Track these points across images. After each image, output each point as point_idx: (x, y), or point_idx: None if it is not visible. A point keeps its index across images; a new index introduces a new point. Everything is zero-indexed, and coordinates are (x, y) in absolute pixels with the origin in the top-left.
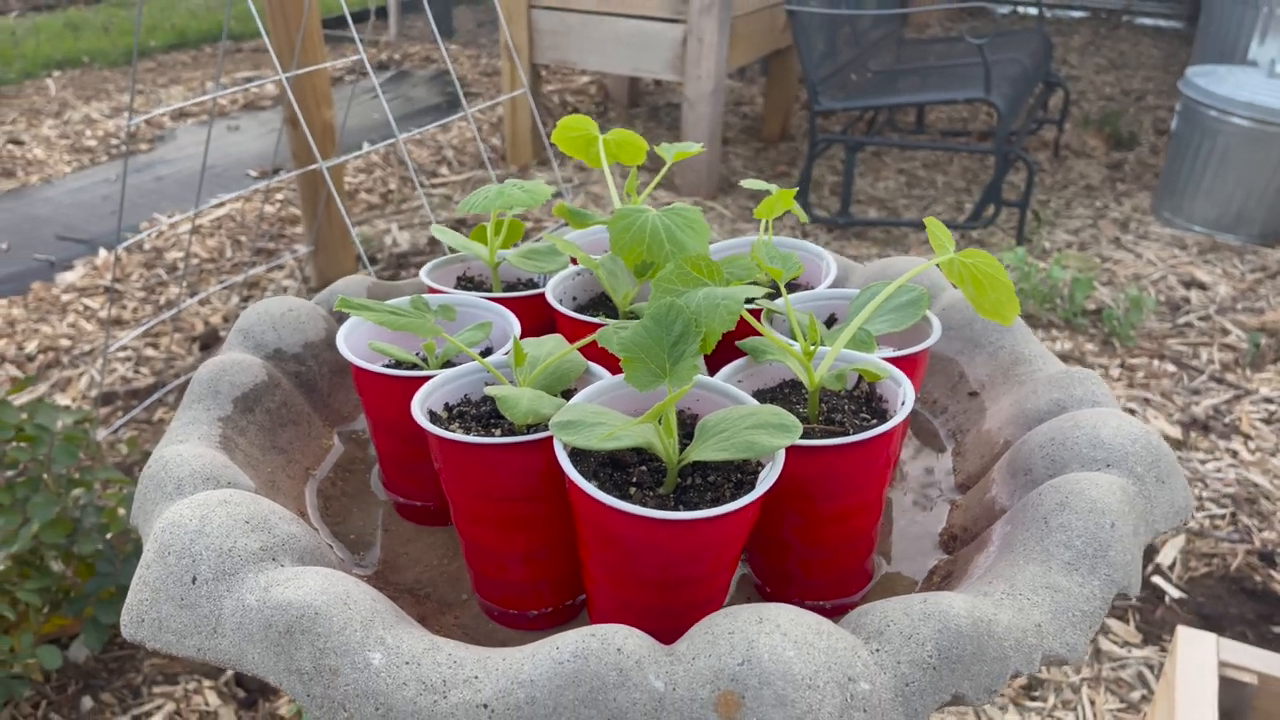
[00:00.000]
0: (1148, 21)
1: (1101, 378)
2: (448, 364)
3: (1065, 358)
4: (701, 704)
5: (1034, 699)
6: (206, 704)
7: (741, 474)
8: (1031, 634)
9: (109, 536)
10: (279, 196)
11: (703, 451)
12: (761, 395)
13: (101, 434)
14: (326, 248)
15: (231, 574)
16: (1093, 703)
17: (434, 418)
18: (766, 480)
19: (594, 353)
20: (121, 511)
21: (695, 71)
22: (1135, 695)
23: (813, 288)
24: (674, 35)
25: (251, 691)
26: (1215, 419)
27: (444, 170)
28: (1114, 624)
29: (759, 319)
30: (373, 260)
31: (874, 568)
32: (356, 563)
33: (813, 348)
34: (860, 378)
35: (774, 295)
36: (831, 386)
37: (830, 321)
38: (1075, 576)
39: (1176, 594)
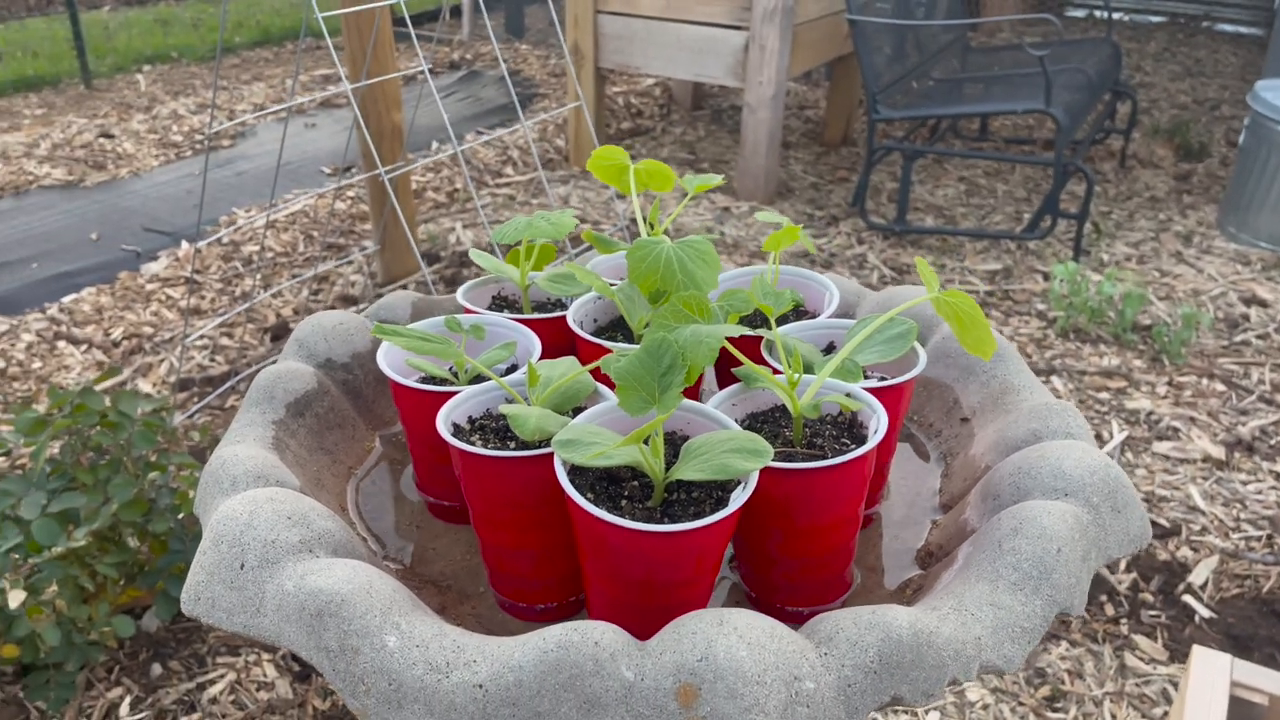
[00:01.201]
0: (1227, 28)
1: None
2: (477, 379)
3: (1111, 374)
4: (664, 693)
5: (1056, 710)
6: (265, 675)
7: (723, 491)
8: (971, 646)
9: (181, 516)
10: (350, 194)
11: (684, 471)
12: (755, 418)
13: (178, 419)
14: (392, 246)
15: (274, 562)
16: (1114, 716)
17: (457, 430)
18: (738, 499)
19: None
20: (193, 494)
21: (756, 77)
22: (1157, 711)
23: (817, 315)
24: (736, 42)
25: (306, 666)
26: (1261, 440)
27: (509, 170)
28: (1141, 640)
29: (759, 347)
30: (436, 258)
31: (852, 577)
32: (389, 555)
33: (797, 377)
34: (864, 404)
35: (762, 321)
36: (809, 415)
37: (829, 349)
38: (1019, 596)
39: (1207, 614)
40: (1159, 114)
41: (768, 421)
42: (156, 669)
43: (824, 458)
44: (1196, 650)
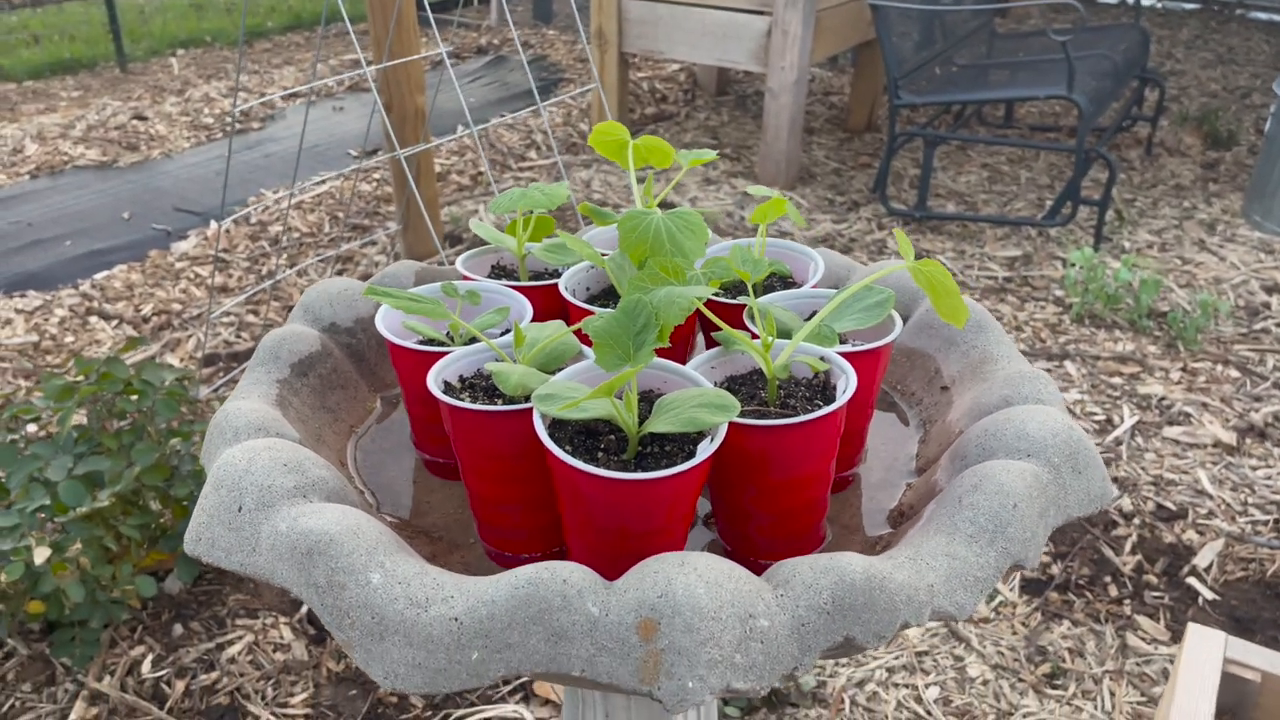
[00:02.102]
0: (1261, 15)
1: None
2: (471, 341)
3: (1125, 360)
4: (626, 627)
5: (1055, 687)
6: (281, 638)
7: (694, 445)
8: (924, 592)
9: (203, 480)
10: (376, 176)
11: (656, 424)
12: (734, 380)
13: (204, 392)
14: (414, 227)
15: (269, 505)
16: (1113, 694)
17: (448, 388)
18: (705, 451)
19: None
20: None
21: (779, 63)
22: (1156, 690)
23: (802, 285)
24: (759, 27)
25: (320, 629)
26: (1274, 426)
27: (532, 154)
28: (1144, 621)
29: (742, 315)
30: (459, 240)
31: (824, 533)
32: (385, 508)
33: (771, 341)
34: (830, 365)
35: (757, 290)
36: (781, 376)
37: (812, 317)
38: (974, 547)
39: (1210, 596)
40: (1188, 102)
41: (745, 383)
42: (178, 629)
43: (795, 416)
44: (1192, 627)
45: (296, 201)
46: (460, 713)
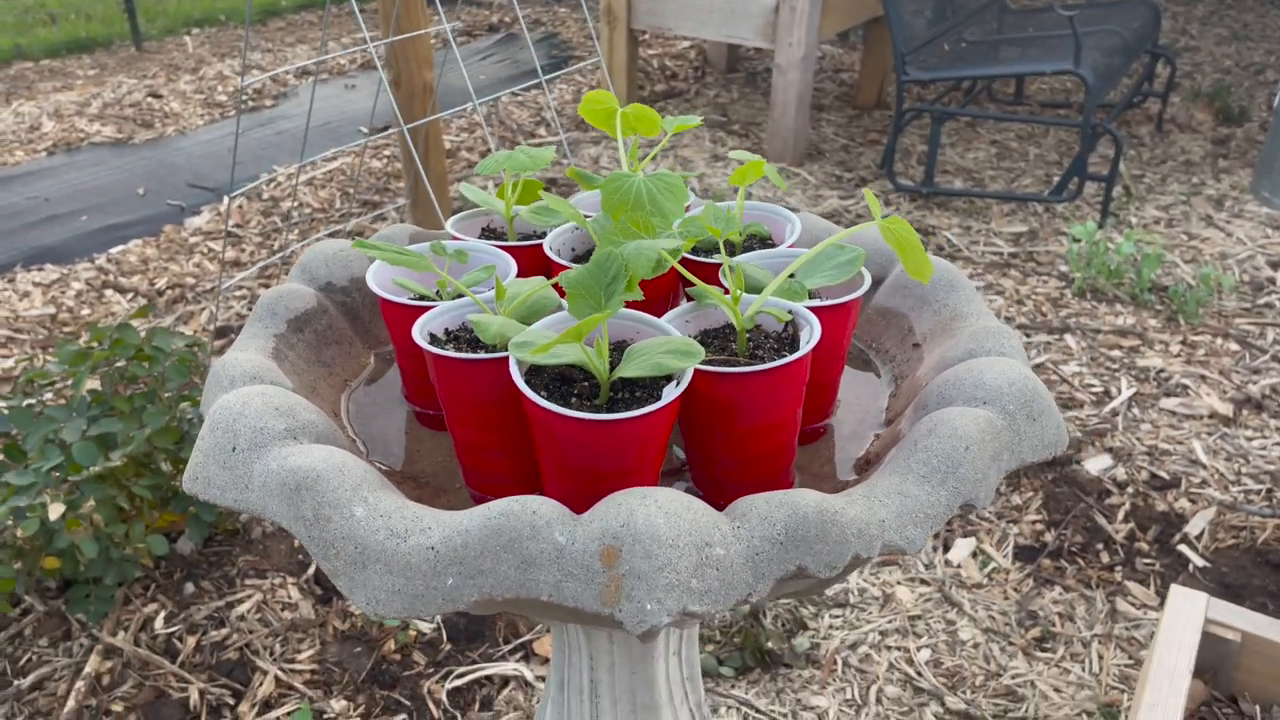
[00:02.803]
0: None
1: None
2: (459, 297)
3: (1125, 333)
4: (590, 554)
5: (1044, 650)
6: (289, 597)
7: (663, 390)
8: (875, 527)
9: None
10: (386, 152)
11: (625, 370)
12: (707, 334)
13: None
14: (423, 202)
15: (261, 446)
16: (1101, 657)
17: (434, 339)
18: (671, 393)
19: None
20: None
21: (786, 39)
22: (1144, 654)
23: (780, 245)
24: (767, 3)
25: (327, 590)
26: (1271, 399)
27: (541, 131)
28: (1134, 587)
29: (707, 271)
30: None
31: (792, 479)
32: (376, 455)
33: (740, 295)
34: (790, 321)
35: (731, 251)
36: (749, 328)
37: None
38: (926, 487)
39: (1201, 563)
40: (1201, 78)
41: (718, 336)
42: (189, 588)
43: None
44: (1175, 589)
45: (308, 177)
46: (462, 669)
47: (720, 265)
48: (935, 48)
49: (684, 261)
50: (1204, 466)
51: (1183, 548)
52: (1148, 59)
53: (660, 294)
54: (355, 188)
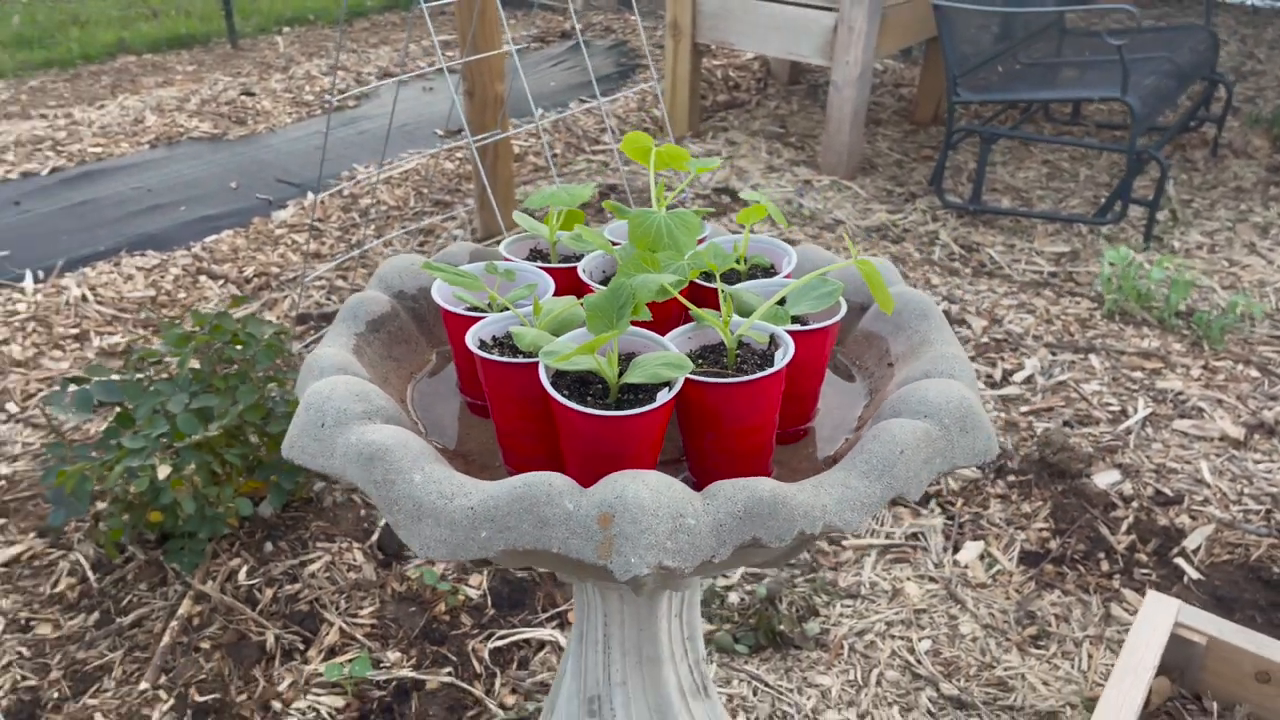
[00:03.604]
0: None
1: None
2: (505, 310)
3: (1149, 355)
4: (591, 519)
5: (1039, 647)
6: (354, 560)
7: (658, 395)
8: (818, 510)
9: None
10: (459, 155)
11: (630, 377)
12: (706, 349)
13: (296, 347)
14: (488, 205)
15: (344, 424)
16: (1090, 656)
17: (482, 344)
18: (664, 396)
19: None
20: None
21: (844, 57)
22: None
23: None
24: (826, 22)
25: (388, 555)
26: None
27: (605, 138)
28: (1129, 594)
29: (713, 297)
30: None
31: (772, 471)
32: (434, 436)
33: (730, 318)
34: (771, 340)
35: (736, 279)
36: (738, 346)
37: (782, 301)
38: (865, 481)
39: (1196, 576)
40: (1263, 103)
41: (714, 352)
42: (268, 547)
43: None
44: (1150, 594)
45: (385, 177)
46: (503, 632)
47: (714, 290)
48: (989, 69)
49: (693, 286)
50: (1208, 486)
51: (1179, 560)
52: (1205, 84)
53: (671, 314)
54: (429, 188)
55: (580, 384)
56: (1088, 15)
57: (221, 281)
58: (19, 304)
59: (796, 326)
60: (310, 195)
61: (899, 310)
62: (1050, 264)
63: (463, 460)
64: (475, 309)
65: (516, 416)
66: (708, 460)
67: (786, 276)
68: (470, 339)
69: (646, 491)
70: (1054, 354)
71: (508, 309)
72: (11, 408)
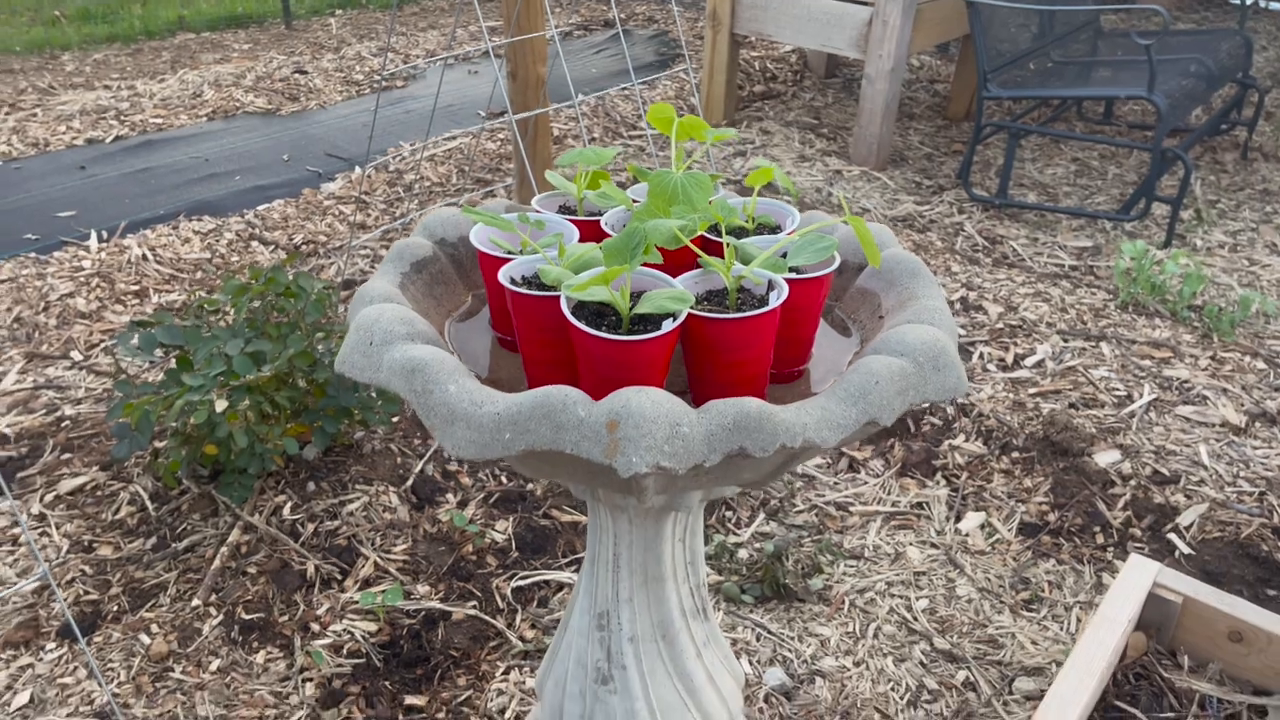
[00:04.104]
0: None
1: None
2: (534, 254)
3: (1159, 345)
4: (599, 424)
5: (1029, 609)
6: (390, 502)
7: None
8: (799, 427)
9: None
10: (500, 135)
11: (639, 308)
12: (712, 293)
13: (341, 310)
14: (526, 183)
15: (388, 343)
16: (1079, 620)
17: (513, 281)
18: (669, 325)
19: None
20: None
21: (878, 51)
22: None
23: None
24: (861, 16)
25: (421, 499)
26: None
27: (642, 124)
28: (1121, 566)
29: (722, 249)
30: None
31: (768, 398)
32: (467, 365)
33: (733, 265)
34: (769, 286)
35: (743, 234)
36: (734, 288)
37: (784, 255)
38: (842, 405)
39: (1187, 550)
40: None
41: (719, 295)
42: (311, 486)
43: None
44: (1133, 557)
45: (429, 154)
46: (525, 573)
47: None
48: (1021, 65)
49: (703, 239)
50: (1205, 468)
51: (1172, 536)
52: (1237, 88)
53: (686, 263)
54: (470, 166)
55: (597, 315)
56: (1127, 17)
57: (272, 247)
58: (84, 261)
59: (793, 275)
60: (357, 169)
61: (891, 269)
62: (1071, 258)
63: (494, 387)
64: (509, 252)
65: (541, 346)
66: (707, 389)
67: (790, 234)
68: (502, 276)
69: (648, 403)
70: (1066, 341)
71: (536, 252)
72: (76, 355)
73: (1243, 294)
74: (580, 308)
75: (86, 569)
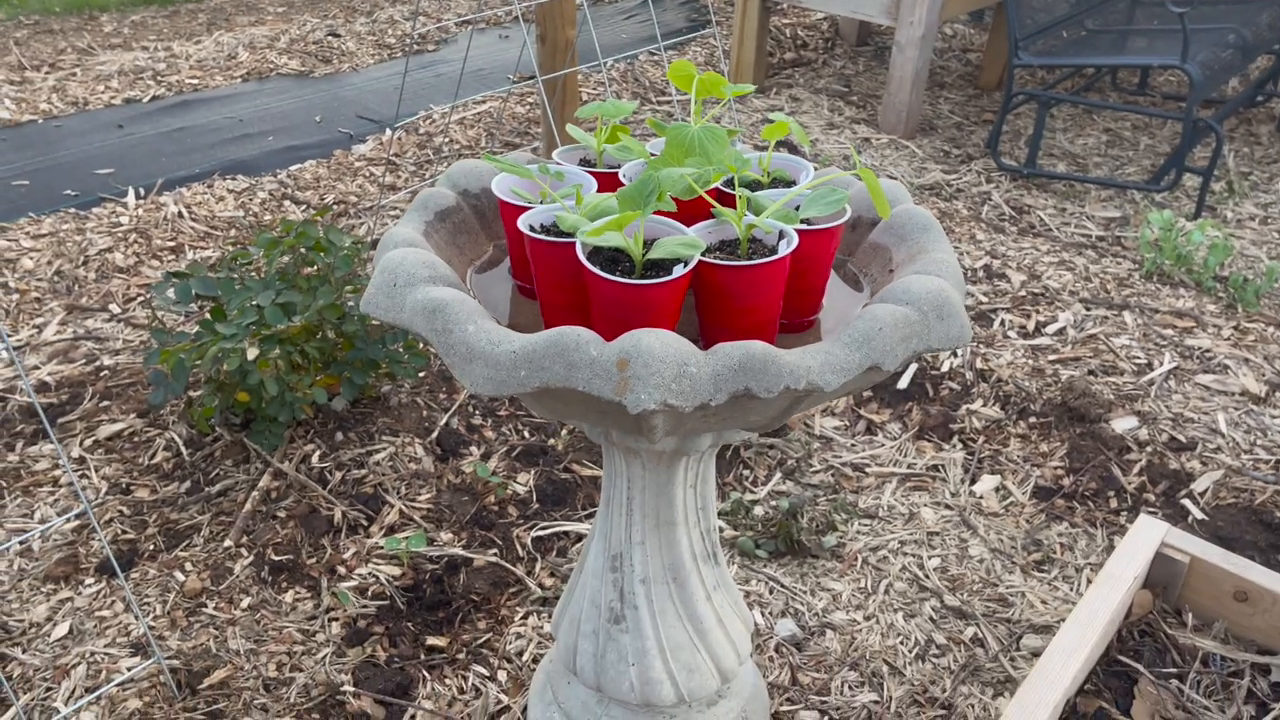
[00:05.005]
0: None
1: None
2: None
3: (1182, 314)
4: (610, 362)
5: (1040, 570)
6: (415, 454)
7: (674, 269)
8: (803, 370)
9: (366, 325)
10: (529, 99)
11: (652, 254)
12: (725, 242)
13: (369, 266)
14: (555, 146)
15: (412, 285)
16: (1089, 581)
17: (531, 229)
18: (680, 270)
19: None
20: None
21: (908, 18)
22: None
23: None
24: None
25: (445, 450)
26: None
27: (672, 89)
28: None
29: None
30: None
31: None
32: (492, 313)
33: (744, 214)
34: (780, 233)
35: (758, 186)
36: (746, 237)
37: (797, 208)
38: (846, 350)
39: (1200, 516)
40: None
41: (732, 245)
42: (339, 436)
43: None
44: (1143, 517)
45: (459, 117)
46: (545, 524)
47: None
48: (1054, 34)
49: (717, 191)
50: (1222, 435)
51: (1186, 501)
52: (1275, 59)
53: (701, 213)
54: (499, 129)
55: (611, 262)
56: None
57: (304, 207)
58: (122, 217)
59: (804, 226)
60: (388, 131)
61: (903, 224)
62: (1099, 228)
63: (514, 329)
64: (529, 202)
65: (557, 290)
66: (717, 335)
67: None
68: (522, 223)
69: (658, 343)
70: (1088, 309)
71: (556, 202)
72: (114, 308)
73: (1270, 265)
74: (595, 253)
75: (124, 510)
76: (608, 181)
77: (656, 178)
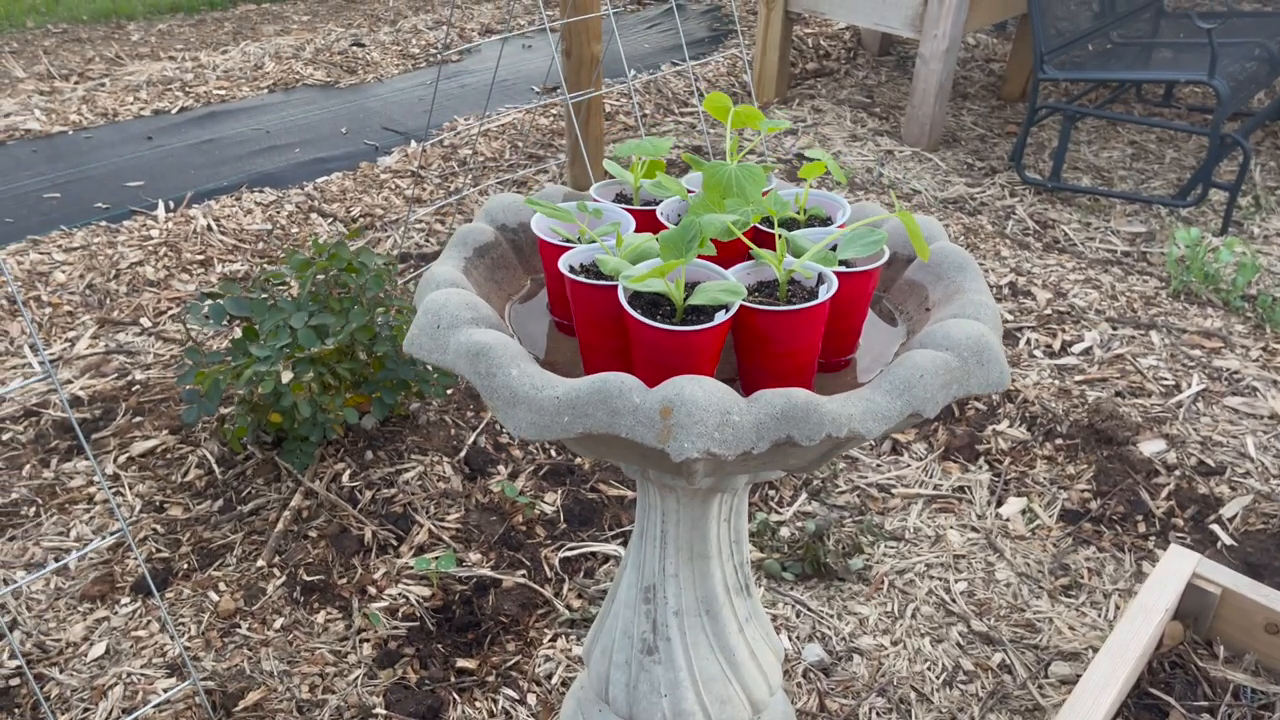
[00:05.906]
0: None
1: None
2: (592, 242)
3: (1210, 335)
4: (653, 410)
5: (1068, 595)
6: (444, 473)
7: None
8: (844, 418)
9: (396, 345)
10: (553, 111)
11: (694, 299)
12: (763, 284)
13: (399, 284)
14: (579, 160)
15: (455, 326)
16: (1118, 607)
17: (571, 269)
18: (721, 316)
19: None
20: (406, 329)
21: (932, 30)
22: None
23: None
24: None
25: (474, 469)
26: None
27: (694, 101)
28: (1161, 554)
29: (773, 241)
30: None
31: (814, 388)
32: (526, 348)
33: (784, 257)
34: (819, 278)
35: (796, 228)
36: (785, 280)
37: (834, 248)
38: (888, 398)
39: (1229, 542)
40: None
41: (770, 286)
42: (369, 455)
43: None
44: (1174, 548)
45: (484, 129)
46: (573, 544)
47: (772, 235)
48: (1080, 46)
49: (755, 230)
50: (1251, 460)
51: (1215, 527)
52: None
53: (736, 254)
54: (524, 142)
55: (652, 305)
56: None
57: (330, 219)
58: (152, 230)
59: (842, 268)
60: (413, 143)
61: (939, 262)
62: (1124, 243)
63: (550, 369)
64: (567, 240)
65: (597, 332)
66: (756, 377)
67: (840, 227)
68: (562, 264)
69: (701, 391)
70: (1115, 328)
71: (595, 241)
72: (145, 322)
73: None
74: (636, 297)
75: (158, 528)
76: (644, 219)
77: (698, 224)
